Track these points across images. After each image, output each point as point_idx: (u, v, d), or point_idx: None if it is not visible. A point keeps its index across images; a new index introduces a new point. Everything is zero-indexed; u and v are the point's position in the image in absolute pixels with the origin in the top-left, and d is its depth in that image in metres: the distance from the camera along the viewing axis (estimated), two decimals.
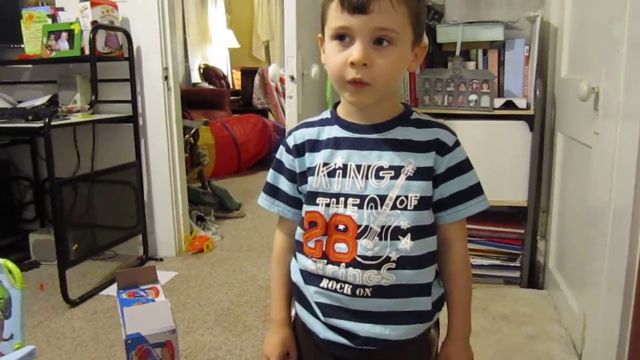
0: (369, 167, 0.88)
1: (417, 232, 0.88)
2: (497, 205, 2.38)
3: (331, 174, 0.89)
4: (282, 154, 0.97)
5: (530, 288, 2.34)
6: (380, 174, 0.87)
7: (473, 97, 2.29)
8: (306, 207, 0.92)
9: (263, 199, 0.99)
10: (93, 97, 2.46)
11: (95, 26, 2.42)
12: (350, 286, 0.88)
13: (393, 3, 0.81)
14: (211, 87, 6.64)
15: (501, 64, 2.35)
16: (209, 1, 7.16)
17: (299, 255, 0.96)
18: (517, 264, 2.35)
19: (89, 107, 2.49)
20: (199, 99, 5.79)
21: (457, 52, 2.32)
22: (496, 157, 2.30)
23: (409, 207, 0.87)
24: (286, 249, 1.01)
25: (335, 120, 0.93)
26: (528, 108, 2.25)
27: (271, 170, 0.99)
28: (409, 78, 2.41)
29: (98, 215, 2.60)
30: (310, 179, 0.91)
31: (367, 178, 0.87)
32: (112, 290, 2.39)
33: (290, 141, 0.95)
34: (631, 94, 1.45)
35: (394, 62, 0.84)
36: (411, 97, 2.42)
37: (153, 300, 1.47)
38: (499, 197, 2.33)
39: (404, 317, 0.91)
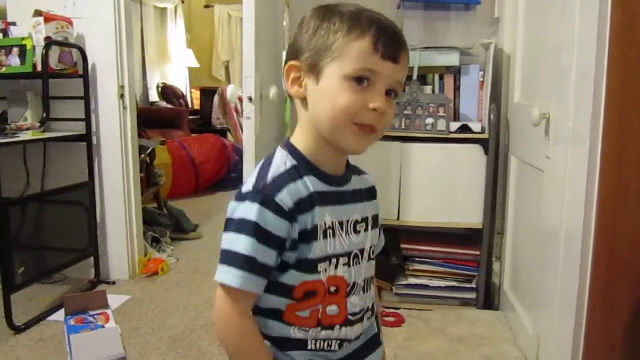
0: (348, 222, 0.86)
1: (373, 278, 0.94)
2: (453, 227, 2.42)
3: (325, 236, 0.81)
4: (268, 219, 0.76)
5: (487, 309, 2.36)
6: (357, 227, 0.87)
7: (430, 120, 2.33)
8: (303, 277, 0.81)
9: (244, 279, 0.76)
10: (44, 115, 2.39)
11: (49, 42, 2.35)
12: (339, 342, 0.87)
13: (408, 58, 0.84)
14: (170, 106, 6.56)
15: (457, 88, 2.40)
16: (169, 20, 7.11)
17: (271, 322, 0.84)
18: (473, 285, 2.37)
19: (39, 125, 2.41)
20: (157, 118, 5.70)
21: (415, 77, 2.36)
22: (452, 180, 2.34)
23: (374, 255, 0.91)
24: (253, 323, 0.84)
25: (307, 168, 0.82)
26: (483, 132, 2.31)
27: (251, 240, 0.76)
28: None
29: (48, 237, 2.51)
30: (307, 245, 0.80)
31: (348, 234, 0.85)
32: (60, 315, 2.28)
33: (285, 201, 0.77)
34: (580, 120, 1.50)
35: (394, 113, 0.90)
36: None
37: (103, 327, 1.41)
38: (455, 219, 2.36)
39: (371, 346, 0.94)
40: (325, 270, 0.82)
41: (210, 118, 6.39)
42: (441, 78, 2.40)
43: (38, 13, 2.40)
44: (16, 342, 2.09)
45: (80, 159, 2.61)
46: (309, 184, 0.81)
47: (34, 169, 2.71)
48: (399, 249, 2.39)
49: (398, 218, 2.37)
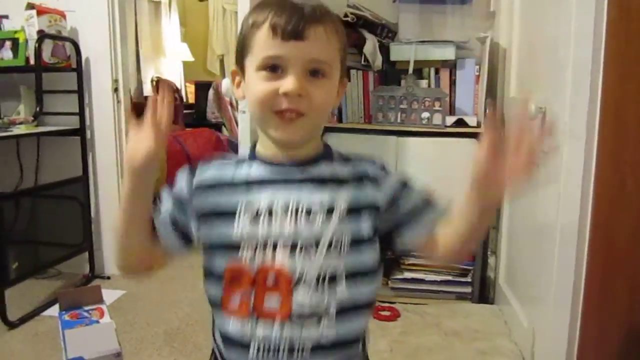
0: (297, 207, 0.78)
1: (354, 276, 0.79)
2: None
3: (255, 218, 0.78)
4: (181, 179, 0.86)
5: (482, 303, 2.37)
6: (311, 214, 0.78)
7: (425, 114, 2.32)
8: (228, 257, 0.79)
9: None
10: (38, 109, 2.37)
11: (42, 35, 2.33)
12: (287, 346, 0.77)
13: (327, 31, 0.77)
14: None
15: (452, 82, 2.39)
16: (163, 14, 7.06)
17: (217, 317, 0.84)
18: (469, 279, 2.38)
19: (33, 118, 2.39)
20: None
21: (410, 71, 2.35)
22: (447, 174, 2.31)
23: (344, 249, 0.78)
24: None
25: (255, 157, 0.84)
26: (478, 126, 2.30)
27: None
28: (363, 95, 2.42)
29: (41, 231, 2.50)
30: (229, 226, 0.78)
31: (296, 221, 0.77)
32: (55, 310, 2.25)
33: (197, 176, 0.84)
34: (576, 115, 1.50)
35: (328, 94, 0.79)
36: (365, 113, 2.43)
37: (97, 322, 1.40)
38: None
39: None
40: (253, 255, 0.77)
41: (204, 112, 6.36)
42: (437, 72, 2.40)
43: (30, 6, 2.38)
44: (10, 338, 2.08)
45: (74, 153, 2.59)
46: (248, 168, 0.83)
47: (27, 163, 2.69)
48: None
49: None
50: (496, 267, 2.37)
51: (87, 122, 2.62)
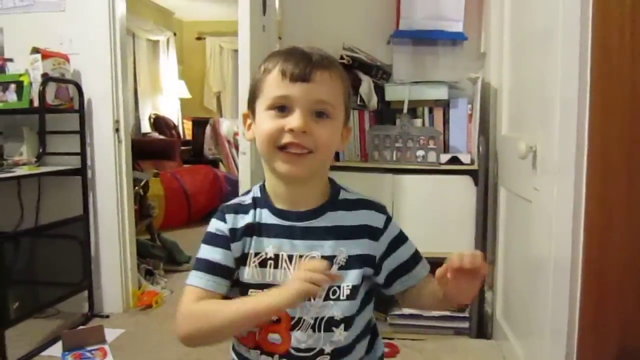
0: (300, 257, 0.87)
1: (350, 322, 0.88)
2: (445, 257, 2.44)
3: (262, 264, 0.88)
4: (216, 225, 0.93)
5: (480, 338, 2.38)
6: None
7: (420, 152, 2.38)
8: (238, 296, 0.89)
9: (199, 278, 0.89)
10: (40, 150, 2.42)
11: (46, 78, 2.39)
12: None
13: (332, 77, 0.86)
14: (162, 137, 6.58)
15: (446, 121, 2.46)
16: (161, 51, 7.19)
17: (234, 338, 0.95)
18: (466, 314, 2.39)
19: (35, 159, 2.43)
20: (149, 149, 5.72)
21: (405, 110, 2.42)
22: (443, 210, 2.38)
23: (341, 297, 0.87)
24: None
25: (264, 202, 0.92)
26: (472, 163, 2.36)
27: (205, 246, 0.92)
28: (359, 134, 2.48)
29: (41, 271, 2.50)
30: (242, 269, 0.89)
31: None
32: (54, 350, 2.27)
33: (229, 221, 0.91)
34: (565, 153, 1.55)
35: (333, 134, 0.87)
36: (361, 152, 2.49)
37: None
38: (446, 249, 2.34)
39: None
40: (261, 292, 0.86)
41: (202, 148, 6.42)
42: (430, 111, 2.47)
43: (35, 50, 2.44)
44: None
45: (75, 192, 2.62)
46: (261, 215, 0.91)
47: (28, 202, 2.71)
48: None
49: None
50: (493, 302, 2.39)
51: (89, 162, 2.66)
